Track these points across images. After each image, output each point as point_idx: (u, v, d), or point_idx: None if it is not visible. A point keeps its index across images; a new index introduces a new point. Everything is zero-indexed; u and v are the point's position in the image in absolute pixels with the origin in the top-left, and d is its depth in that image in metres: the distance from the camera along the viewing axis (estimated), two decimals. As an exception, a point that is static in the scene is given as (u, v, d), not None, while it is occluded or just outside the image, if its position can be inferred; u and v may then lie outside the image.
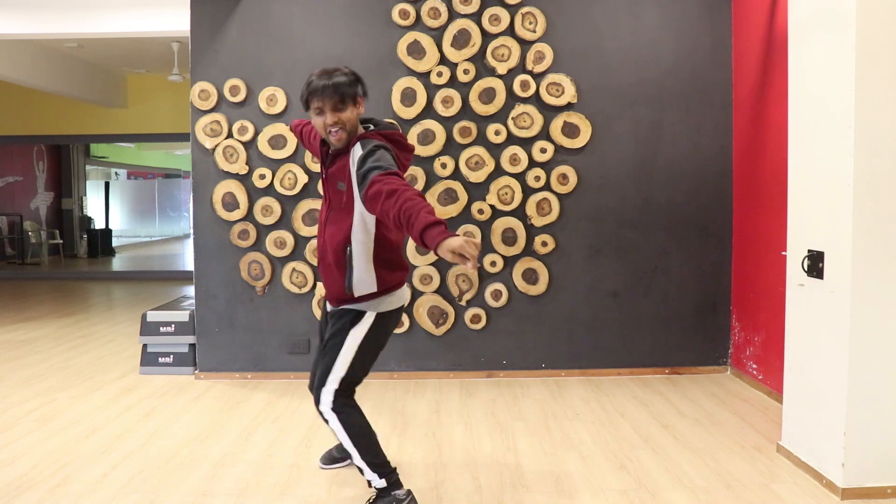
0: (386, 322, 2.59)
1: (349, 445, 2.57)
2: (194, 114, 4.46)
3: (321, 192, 2.53)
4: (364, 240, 2.49)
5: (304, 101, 2.45)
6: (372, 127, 2.55)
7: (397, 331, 4.46)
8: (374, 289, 2.53)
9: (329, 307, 2.68)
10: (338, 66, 2.47)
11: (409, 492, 2.62)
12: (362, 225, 2.47)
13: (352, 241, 2.48)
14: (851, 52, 2.64)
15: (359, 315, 2.55)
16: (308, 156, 4.42)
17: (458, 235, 2.01)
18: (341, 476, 2.99)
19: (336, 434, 2.59)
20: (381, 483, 2.58)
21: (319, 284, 4.46)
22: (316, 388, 2.59)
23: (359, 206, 2.44)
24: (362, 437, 2.58)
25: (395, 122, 2.63)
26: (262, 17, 4.43)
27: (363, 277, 2.51)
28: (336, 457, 3.08)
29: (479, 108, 4.39)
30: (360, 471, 2.61)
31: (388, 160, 2.34)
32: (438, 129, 4.37)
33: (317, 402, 2.59)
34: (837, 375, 2.75)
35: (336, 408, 2.55)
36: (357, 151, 2.40)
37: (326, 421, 2.59)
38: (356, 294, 2.51)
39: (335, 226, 2.51)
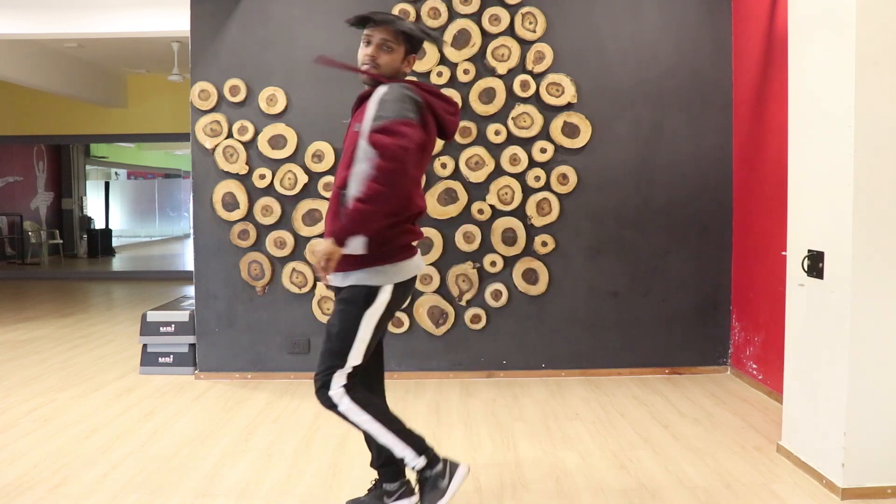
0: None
1: (382, 436, 2.32)
2: (194, 114, 4.46)
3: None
4: None
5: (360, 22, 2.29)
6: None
7: (397, 331, 4.46)
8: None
9: (332, 280, 2.35)
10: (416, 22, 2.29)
11: (445, 461, 2.38)
12: None
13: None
14: (851, 52, 2.64)
15: (359, 289, 2.31)
16: (308, 156, 4.41)
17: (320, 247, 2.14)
18: (341, 476, 2.99)
19: (363, 426, 2.32)
20: (420, 462, 2.32)
21: (320, 284, 4.46)
22: (317, 375, 2.34)
23: None
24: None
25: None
26: (262, 17, 4.43)
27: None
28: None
29: (479, 108, 4.39)
30: (390, 454, 2.36)
31: (407, 110, 2.15)
32: (438, 129, 4.37)
33: (319, 390, 2.32)
34: (837, 375, 2.75)
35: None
36: (381, 90, 2.22)
37: (340, 414, 2.31)
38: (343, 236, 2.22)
39: (345, 170, 2.26)
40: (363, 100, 2.32)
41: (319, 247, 2.15)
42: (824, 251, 2.83)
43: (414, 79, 2.42)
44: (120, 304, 7.93)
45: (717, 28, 4.48)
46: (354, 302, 2.30)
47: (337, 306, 2.34)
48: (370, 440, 2.49)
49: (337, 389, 2.30)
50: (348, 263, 2.24)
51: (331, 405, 2.32)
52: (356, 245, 2.19)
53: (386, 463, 2.49)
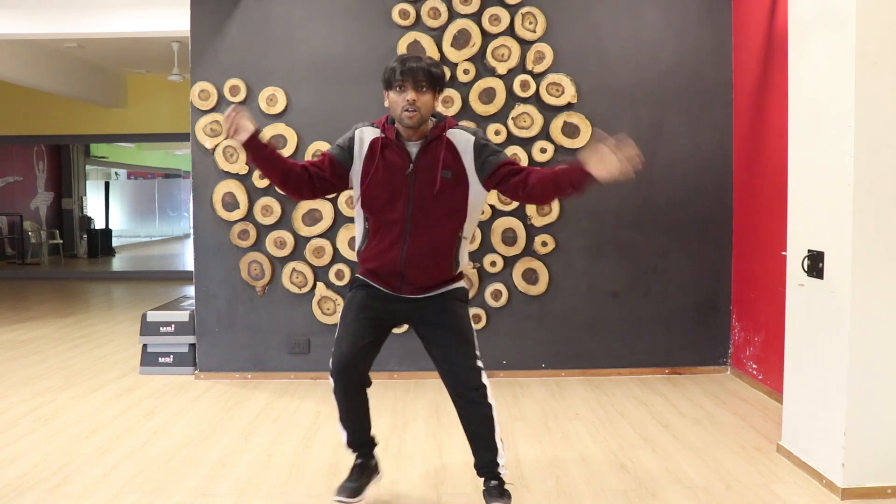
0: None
1: (497, 428, 2.52)
2: (194, 114, 4.46)
3: (363, 198, 2.44)
4: (472, 222, 2.53)
5: (387, 81, 2.44)
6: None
7: (397, 330, 4.44)
8: (467, 259, 2.61)
9: (413, 296, 2.53)
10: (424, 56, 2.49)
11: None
12: (475, 208, 2.49)
13: (464, 228, 2.49)
14: (851, 52, 2.63)
15: (464, 290, 2.59)
16: (308, 156, 4.41)
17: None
18: (341, 476, 2.99)
19: (494, 421, 2.50)
20: (504, 460, 2.56)
21: (320, 284, 4.46)
22: (473, 379, 2.47)
23: (475, 188, 2.45)
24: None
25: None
26: (262, 17, 4.43)
27: (464, 255, 2.56)
28: (351, 485, 2.70)
29: (479, 108, 4.39)
30: (497, 452, 2.52)
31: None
32: (438, 129, 4.37)
33: (480, 390, 2.46)
34: (837, 375, 2.75)
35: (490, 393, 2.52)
36: (465, 136, 2.44)
37: (490, 406, 2.48)
38: (456, 271, 2.54)
39: (443, 217, 2.44)
40: (426, 148, 2.43)
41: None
42: (824, 251, 2.83)
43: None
44: (120, 304, 7.93)
45: (717, 28, 4.48)
46: (457, 302, 2.56)
47: (457, 309, 2.54)
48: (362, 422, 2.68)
49: (489, 388, 2.53)
50: (451, 278, 2.54)
51: (486, 403, 2.50)
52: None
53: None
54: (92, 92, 9.16)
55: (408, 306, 2.55)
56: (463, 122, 2.51)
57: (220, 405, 3.99)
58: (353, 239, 2.61)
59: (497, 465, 2.53)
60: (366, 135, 2.47)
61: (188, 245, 15.13)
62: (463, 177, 2.43)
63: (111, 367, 4.87)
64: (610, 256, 4.52)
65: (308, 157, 4.40)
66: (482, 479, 2.57)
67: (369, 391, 2.65)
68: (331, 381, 2.55)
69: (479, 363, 2.52)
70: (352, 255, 4.43)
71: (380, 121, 2.52)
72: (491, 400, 2.50)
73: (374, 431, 2.75)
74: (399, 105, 2.38)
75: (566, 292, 4.52)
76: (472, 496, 2.79)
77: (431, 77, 2.39)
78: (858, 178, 2.65)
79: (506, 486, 2.55)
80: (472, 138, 2.44)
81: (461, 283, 2.59)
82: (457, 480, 2.93)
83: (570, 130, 4.42)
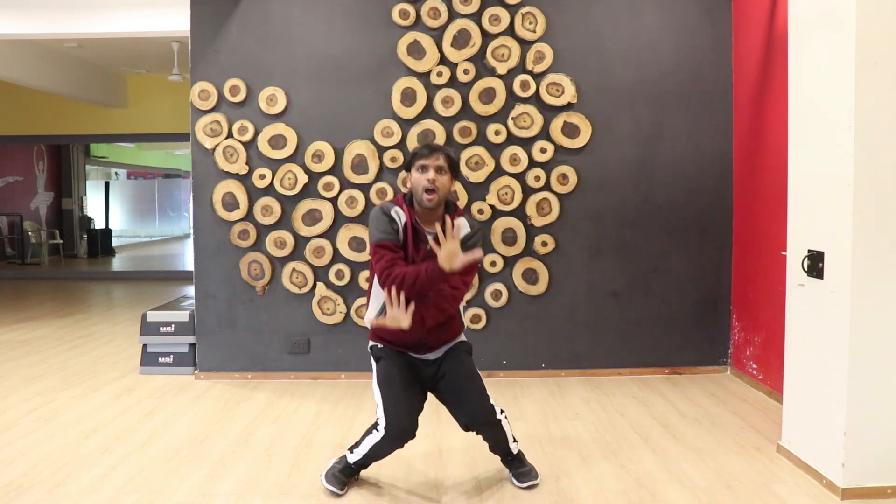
0: None
1: (510, 435, 2.85)
2: (194, 114, 4.46)
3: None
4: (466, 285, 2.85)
5: (409, 162, 2.71)
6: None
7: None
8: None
9: (429, 356, 2.82)
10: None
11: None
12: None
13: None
14: (851, 53, 2.64)
15: (469, 344, 2.93)
16: (308, 156, 4.41)
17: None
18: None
19: (508, 434, 2.84)
20: (517, 445, 2.92)
21: (320, 284, 4.46)
22: (490, 412, 2.74)
23: None
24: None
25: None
26: (262, 17, 4.43)
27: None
28: (344, 480, 2.86)
29: (479, 108, 4.39)
30: (509, 445, 2.87)
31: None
32: (438, 129, 4.37)
33: (495, 416, 2.76)
34: (837, 375, 2.75)
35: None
36: (465, 224, 2.75)
37: (505, 430, 2.83)
38: (464, 326, 2.94)
39: (447, 287, 2.72)
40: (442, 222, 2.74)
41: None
42: (824, 251, 2.83)
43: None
44: (120, 304, 7.93)
45: (717, 28, 4.48)
46: (465, 352, 2.88)
47: (466, 357, 2.86)
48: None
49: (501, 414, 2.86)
50: (460, 331, 2.90)
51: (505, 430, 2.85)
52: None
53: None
54: (92, 92, 9.16)
55: (430, 369, 2.81)
56: (468, 218, 2.85)
57: (220, 405, 3.99)
58: (368, 295, 2.88)
59: (511, 451, 2.89)
60: (401, 215, 2.71)
61: (188, 245, 15.15)
62: None
63: (111, 367, 4.87)
64: (610, 256, 4.52)
65: (308, 157, 4.41)
66: (499, 458, 2.95)
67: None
68: (384, 439, 2.68)
69: (491, 398, 2.78)
70: (352, 255, 4.44)
71: (397, 199, 2.77)
72: (504, 421, 2.81)
73: None
74: (420, 185, 2.65)
75: (566, 292, 4.52)
76: (472, 496, 2.79)
77: (450, 161, 2.69)
78: (858, 178, 2.65)
79: (522, 455, 2.94)
80: (467, 230, 2.74)
81: (464, 338, 2.92)
82: (457, 480, 2.93)
83: (570, 130, 4.42)
